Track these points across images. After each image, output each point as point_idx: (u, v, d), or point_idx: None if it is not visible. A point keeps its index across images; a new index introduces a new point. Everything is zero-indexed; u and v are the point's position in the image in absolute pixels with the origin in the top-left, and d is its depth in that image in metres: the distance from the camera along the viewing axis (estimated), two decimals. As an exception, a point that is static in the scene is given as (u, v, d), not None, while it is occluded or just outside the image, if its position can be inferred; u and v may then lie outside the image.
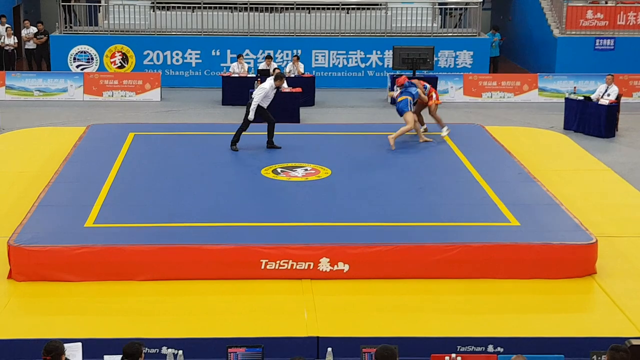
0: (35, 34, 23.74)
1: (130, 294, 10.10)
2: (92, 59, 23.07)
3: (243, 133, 14.97)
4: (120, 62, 23.09)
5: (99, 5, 24.01)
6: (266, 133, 15.04)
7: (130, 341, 7.49)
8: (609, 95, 18.52)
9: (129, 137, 15.52)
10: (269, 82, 14.99)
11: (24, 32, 23.82)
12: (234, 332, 9.10)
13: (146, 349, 8.48)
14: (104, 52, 23.05)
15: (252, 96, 15.06)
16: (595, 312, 10.12)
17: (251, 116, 14.80)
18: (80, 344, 7.81)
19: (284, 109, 19.22)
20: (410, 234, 11.05)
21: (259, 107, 14.79)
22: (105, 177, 13.12)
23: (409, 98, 15.23)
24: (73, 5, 23.81)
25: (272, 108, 19.32)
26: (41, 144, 16.12)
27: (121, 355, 7.39)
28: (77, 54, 23.05)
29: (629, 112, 19.90)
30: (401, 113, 15.28)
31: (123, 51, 23.08)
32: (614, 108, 18.39)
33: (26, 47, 23.83)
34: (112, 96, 21.72)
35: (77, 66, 23.01)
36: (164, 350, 8.74)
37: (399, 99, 15.30)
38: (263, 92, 14.84)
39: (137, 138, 15.58)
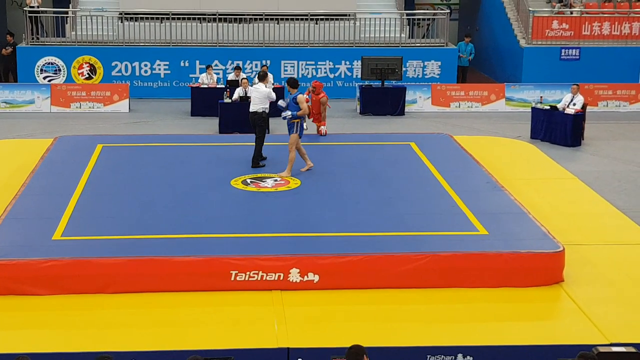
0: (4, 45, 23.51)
1: (99, 307, 10.04)
2: (60, 70, 22.92)
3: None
4: (88, 73, 22.96)
5: (67, 16, 23.87)
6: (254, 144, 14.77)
7: (100, 355, 7.44)
8: (574, 104, 18.72)
9: (97, 149, 15.44)
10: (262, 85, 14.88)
11: None
12: (204, 344, 9.07)
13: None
14: (72, 63, 22.91)
15: (272, 101, 14.79)
16: (562, 320, 10.21)
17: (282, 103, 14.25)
18: None
19: (253, 119, 19.22)
20: (379, 243, 11.09)
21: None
22: (73, 190, 13.04)
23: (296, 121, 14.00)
24: (40, 16, 23.65)
25: (241, 118, 19.37)
26: (8, 156, 15.99)
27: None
28: (44, 65, 22.90)
29: (595, 121, 20.14)
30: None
31: (91, 62, 22.96)
32: (579, 117, 18.60)
33: None
34: (80, 107, 21.59)
35: (44, 77, 22.84)
36: (134, 363, 8.69)
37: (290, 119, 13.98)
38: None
39: (105, 150, 15.50)
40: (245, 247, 10.92)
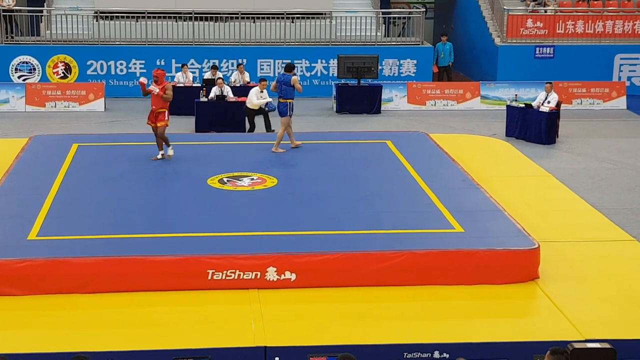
0: None
1: (75, 307, 10.00)
2: (34, 69, 22.78)
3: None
4: (63, 73, 22.83)
5: (41, 15, 23.73)
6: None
7: (76, 355, 7.42)
8: (549, 102, 18.85)
9: (72, 148, 15.37)
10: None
11: None
12: (181, 344, 9.05)
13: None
14: (47, 62, 22.76)
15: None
16: (538, 317, 10.28)
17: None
18: None
19: (229, 118, 19.22)
20: (356, 242, 11.12)
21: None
22: (48, 189, 12.97)
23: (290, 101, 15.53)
24: (14, 14, 23.48)
25: (218, 117, 19.37)
26: (-18, 156, 15.86)
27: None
28: (18, 64, 22.74)
29: (569, 119, 20.28)
30: (283, 114, 15.56)
31: (66, 61, 22.83)
32: (554, 115, 18.73)
33: None
34: (55, 107, 21.46)
35: (19, 77, 22.69)
36: (111, 363, 8.67)
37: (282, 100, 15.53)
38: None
39: (81, 149, 15.43)
40: (222, 246, 10.91)
